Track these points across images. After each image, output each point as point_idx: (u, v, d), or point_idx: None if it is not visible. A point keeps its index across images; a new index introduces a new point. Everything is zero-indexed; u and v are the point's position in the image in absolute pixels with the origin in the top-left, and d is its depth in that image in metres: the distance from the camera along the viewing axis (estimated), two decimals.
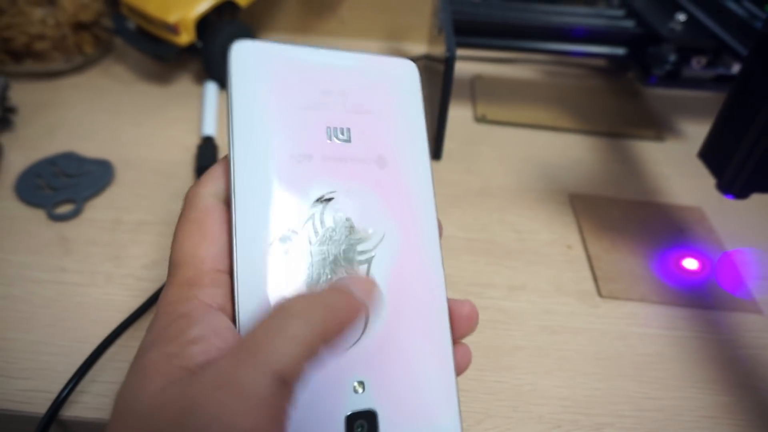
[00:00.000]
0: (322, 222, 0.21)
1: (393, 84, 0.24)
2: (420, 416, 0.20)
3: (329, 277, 0.20)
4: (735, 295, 0.37)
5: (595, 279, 0.37)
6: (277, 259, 0.20)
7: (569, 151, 0.50)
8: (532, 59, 0.64)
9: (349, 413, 0.19)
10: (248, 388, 0.14)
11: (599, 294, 0.37)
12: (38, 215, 0.39)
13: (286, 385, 0.15)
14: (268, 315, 0.17)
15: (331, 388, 0.19)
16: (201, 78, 0.56)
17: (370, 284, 0.19)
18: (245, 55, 0.22)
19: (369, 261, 0.21)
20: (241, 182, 0.20)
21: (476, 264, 0.38)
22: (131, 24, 0.55)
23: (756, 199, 0.46)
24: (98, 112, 0.51)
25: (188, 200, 0.21)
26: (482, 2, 0.54)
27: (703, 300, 0.37)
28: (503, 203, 0.44)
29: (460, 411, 0.21)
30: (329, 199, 0.21)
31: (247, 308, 0.19)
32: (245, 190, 0.20)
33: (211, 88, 0.53)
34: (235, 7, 0.54)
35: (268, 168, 0.21)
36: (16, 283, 0.35)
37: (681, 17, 0.47)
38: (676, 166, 0.49)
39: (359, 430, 0.19)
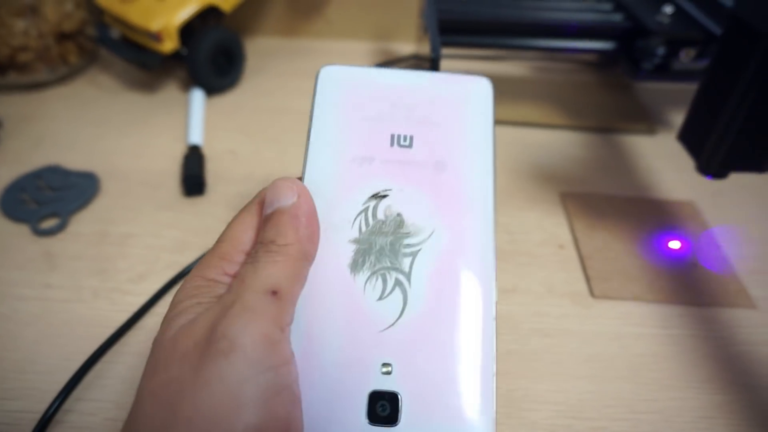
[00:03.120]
0: (374, 215, 0.23)
1: (464, 99, 0.26)
2: (448, 416, 0.20)
3: (373, 263, 0.22)
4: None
5: (588, 279, 0.37)
6: (328, 243, 0.22)
7: (560, 149, 0.50)
8: (521, 56, 0.64)
9: (371, 390, 0.20)
10: (250, 303, 0.19)
11: (592, 294, 0.36)
12: (22, 230, 0.39)
13: (276, 295, 0.19)
14: (243, 262, 0.21)
15: (357, 364, 0.21)
16: (187, 85, 0.56)
17: (284, 183, 0.22)
18: (329, 78, 0.26)
19: (414, 254, 0.23)
20: (309, 178, 0.24)
21: None
22: (115, 33, 0.55)
23: (748, 193, 0.46)
24: (84, 123, 0.50)
25: (255, 197, 0.24)
26: (470, 0, 0.54)
27: (696, 295, 0.36)
28: None
29: (495, 416, 0.21)
30: (384, 196, 0.23)
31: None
32: (310, 186, 0.23)
33: (197, 96, 0.52)
34: (219, 13, 0.54)
35: (331, 167, 0.24)
36: (0, 301, 0.34)
37: (668, 9, 0.47)
38: (667, 160, 0.49)
39: (381, 409, 0.20)
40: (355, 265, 0.22)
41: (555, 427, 0.29)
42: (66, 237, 0.39)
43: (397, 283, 0.22)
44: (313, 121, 0.25)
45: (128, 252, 0.38)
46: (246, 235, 0.22)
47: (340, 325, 0.21)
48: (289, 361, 0.19)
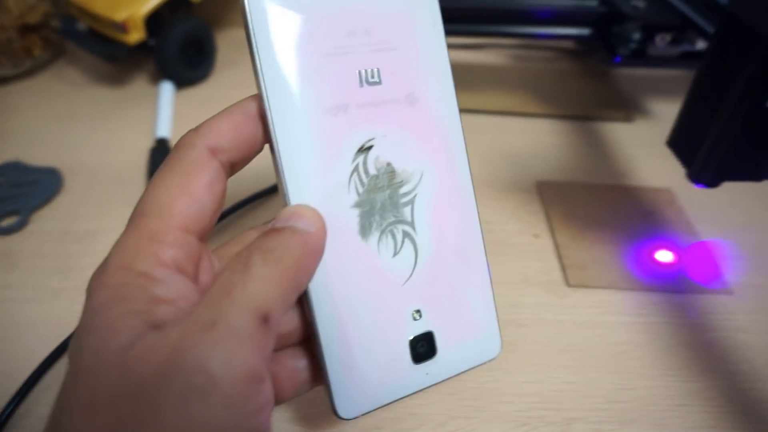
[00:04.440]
0: (366, 171, 0.22)
1: (414, 15, 0.23)
2: (467, 331, 0.24)
3: (379, 222, 0.22)
4: (708, 287, 0.36)
5: (563, 268, 0.36)
6: (331, 215, 0.21)
7: (537, 137, 0.49)
8: (498, 44, 0.63)
9: (410, 338, 0.22)
10: (237, 326, 0.15)
11: (567, 283, 0.36)
12: None
13: (267, 322, 0.16)
14: (229, 264, 0.17)
15: (393, 319, 0.22)
16: (157, 78, 0.54)
17: (308, 211, 0.19)
18: (260, 4, 0.21)
19: (412, 201, 0.23)
20: (282, 138, 0.20)
21: None
22: (81, 25, 0.53)
23: None
24: (49, 118, 0.49)
25: (179, 147, 0.18)
26: None
27: (674, 285, 0.36)
28: None
29: (498, 322, 0.25)
30: (369, 147, 0.22)
31: None
32: (288, 150, 0.20)
33: (165, 88, 0.51)
34: (189, 3, 0.52)
35: (307, 125, 0.21)
36: None
37: None
38: (645, 147, 0.48)
39: (421, 348, 0.22)
40: (364, 230, 0.22)
41: (529, 419, 0.28)
42: (26, 235, 0.37)
43: (405, 234, 0.22)
44: (262, 65, 0.20)
45: (92, 249, 0.37)
46: (179, 202, 0.17)
47: (366, 292, 0.22)
48: (269, 405, 0.16)
